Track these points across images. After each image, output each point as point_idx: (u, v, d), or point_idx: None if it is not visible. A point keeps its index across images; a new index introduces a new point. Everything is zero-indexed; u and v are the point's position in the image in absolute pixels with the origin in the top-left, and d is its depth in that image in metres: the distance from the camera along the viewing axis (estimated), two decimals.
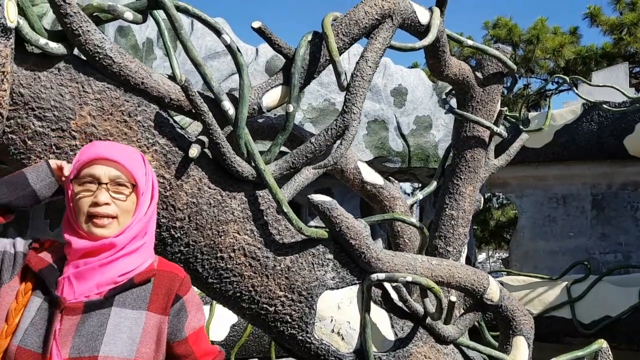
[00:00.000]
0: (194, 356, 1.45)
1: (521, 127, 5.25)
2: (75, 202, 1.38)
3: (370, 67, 1.87)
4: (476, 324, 2.66)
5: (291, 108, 1.80)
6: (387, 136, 5.84)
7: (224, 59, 4.53)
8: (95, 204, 1.36)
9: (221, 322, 4.41)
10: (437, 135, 6.15)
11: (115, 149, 1.45)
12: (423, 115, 6.13)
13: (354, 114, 1.84)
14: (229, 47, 1.68)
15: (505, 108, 2.90)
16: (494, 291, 2.19)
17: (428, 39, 2.06)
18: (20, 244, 1.42)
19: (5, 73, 1.46)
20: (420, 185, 6.87)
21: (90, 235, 1.36)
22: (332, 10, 1.95)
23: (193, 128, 2.12)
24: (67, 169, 1.48)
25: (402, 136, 6.00)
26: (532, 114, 6.59)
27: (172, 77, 1.86)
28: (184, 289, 1.44)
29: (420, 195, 2.81)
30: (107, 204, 1.36)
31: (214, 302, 4.53)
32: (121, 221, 1.39)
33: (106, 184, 1.38)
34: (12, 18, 1.43)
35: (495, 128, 2.68)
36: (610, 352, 2.36)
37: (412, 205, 2.74)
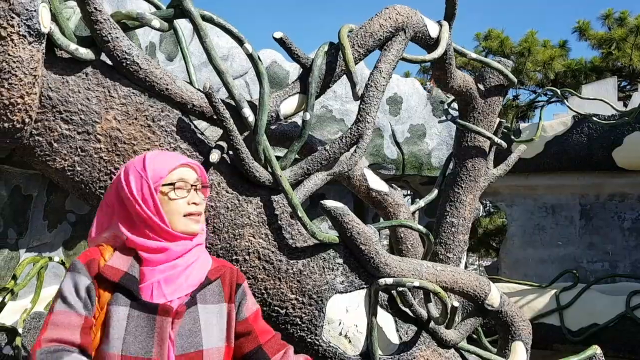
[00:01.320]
0: (255, 333, 1.57)
1: (513, 137, 5.37)
2: (169, 205, 1.46)
3: (384, 77, 1.93)
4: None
5: (308, 116, 1.86)
6: (382, 144, 5.92)
7: (227, 64, 4.56)
8: (195, 204, 1.49)
9: None
10: (430, 144, 6.24)
11: (185, 157, 1.57)
12: (417, 123, 6.21)
13: (368, 122, 1.90)
14: (250, 56, 1.73)
15: (504, 120, 2.98)
16: (494, 297, 2.26)
17: (438, 52, 2.13)
18: (83, 281, 1.41)
19: (37, 77, 1.50)
20: (412, 192, 6.94)
21: (183, 233, 1.46)
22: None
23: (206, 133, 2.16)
24: None
25: (397, 144, 6.08)
26: (523, 125, 6.70)
27: (190, 83, 1.91)
28: (241, 277, 1.59)
29: (422, 203, 2.87)
30: (199, 203, 1.50)
31: None
32: (202, 218, 1.53)
33: (195, 185, 1.50)
34: (46, 24, 1.47)
35: (496, 138, 2.76)
36: (603, 357, 2.43)
37: (414, 212, 2.81)
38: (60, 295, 1.39)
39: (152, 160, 1.49)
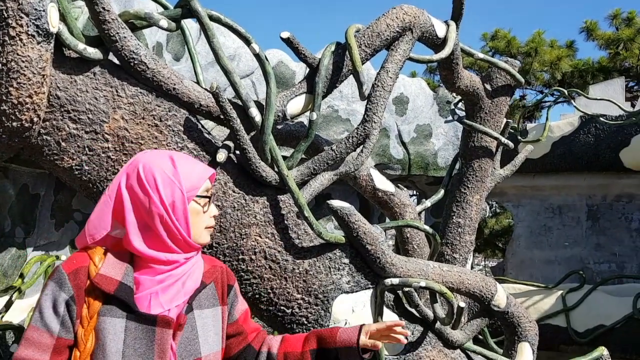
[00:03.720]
0: (245, 333, 1.56)
1: (519, 137, 5.35)
2: (199, 217, 1.41)
3: (390, 77, 1.93)
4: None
5: (315, 116, 1.86)
6: (388, 144, 5.91)
7: (233, 63, 4.57)
8: (214, 217, 1.46)
9: None
10: (436, 144, 6.22)
11: None
12: (423, 123, 6.21)
13: (375, 122, 1.90)
14: (257, 56, 1.73)
15: (511, 120, 2.97)
16: (501, 298, 2.25)
17: (445, 52, 2.13)
18: (62, 296, 1.32)
19: (45, 76, 1.51)
20: (418, 193, 6.93)
21: (201, 244, 1.42)
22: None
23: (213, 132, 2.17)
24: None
25: (403, 144, 6.07)
26: (529, 125, 6.68)
27: (197, 83, 1.91)
28: (232, 278, 1.56)
29: (428, 203, 2.87)
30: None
31: None
32: None
33: (211, 197, 1.47)
34: (55, 23, 1.48)
35: (502, 139, 2.75)
36: (610, 359, 2.42)
37: (420, 212, 2.80)
38: (38, 309, 1.32)
39: (183, 167, 1.40)
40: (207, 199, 1.43)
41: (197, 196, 1.40)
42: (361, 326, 1.60)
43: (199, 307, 1.41)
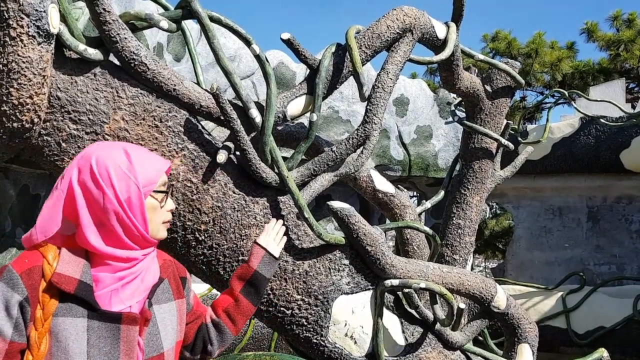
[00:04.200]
0: (201, 317, 1.59)
1: (519, 139, 5.35)
2: (156, 212, 1.37)
3: (391, 79, 1.93)
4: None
5: (315, 117, 1.86)
6: (388, 145, 5.92)
7: (234, 64, 4.59)
8: (171, 211, 1.42)
9: None
10: (437, 145, 6.23)
11: None
12: (424, 125, 6.21)
13: (375, 124, 1.90)
14: (257, 57, 1.73)
15: (512, 121, 2.98)
16: (501, 299, 2.25)
17: (445, 53, 2.13)
18: (15, 298, 1.25)
19: (46, 77, 1.51)
20: (418, 194, 6.94)
21: (156, 240, 1.38)
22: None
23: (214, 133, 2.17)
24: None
25: (403, 145, 6.08)
26: (530, 127, 6.69)
27: (197, 84, 1.91)
28: (182, 269, 1.54)
29: (428, 204, 2.87)
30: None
31: None
32: None
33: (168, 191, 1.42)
34: (55, 24, 1.48)
35: (503, 140, 2.75)
36: None
37: (420, 214, 2.80)
38: None
39: (139, 160, 1.34)
40: (164, 194, 1.39)
41: (154, 191, 1.36)
42: (255, 242, 1.70)
43: (157, 303, 1.38)
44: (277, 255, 1.71)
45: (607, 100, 5.61)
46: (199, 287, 4.17)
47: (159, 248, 1.46)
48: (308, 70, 1.99)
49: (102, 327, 1.26)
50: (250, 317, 1.68)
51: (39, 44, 1.47)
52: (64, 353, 1.23)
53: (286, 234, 1.87)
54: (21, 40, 1.45)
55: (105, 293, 1.29)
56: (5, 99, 1.48)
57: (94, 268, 1.30)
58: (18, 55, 1.45)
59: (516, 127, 5.99)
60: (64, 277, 1.26)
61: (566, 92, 5.51)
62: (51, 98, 1.59)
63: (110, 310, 1.28)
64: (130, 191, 1.30)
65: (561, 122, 6.31)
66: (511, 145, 2.82)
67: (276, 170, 1.85)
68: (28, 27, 1.45)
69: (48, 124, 1.61)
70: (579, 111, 5.72)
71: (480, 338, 3.33)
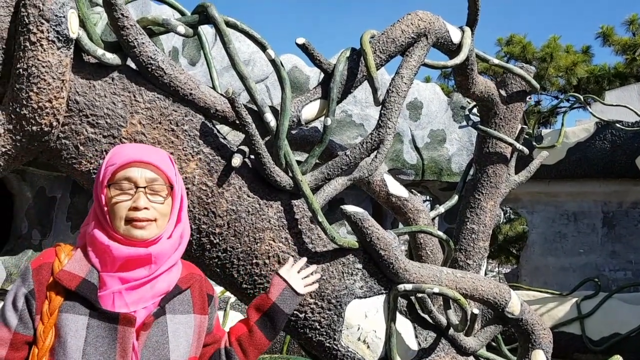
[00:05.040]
0: (219, 341, 1.55)
1: (534, 143, 5.32)
2: (112, 207, 1.35)
3: (405, 83, 1.93)
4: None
5: (329, 121, 1.87)
6: (401, 149, 5.91)
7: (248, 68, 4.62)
8: (135, 209, 1.34)
9: None
10: (450, 149, 6.21)
11: (149, 151, 1.43)
12: (437, 129, 6.20)
13: (389, 128, 1.91)
14: (273, 62, 1.75)
15: (526, 126, 2.96)
16: (515, 305, 2.24)
17: (460, 58, 2.13)
18: (22, 291, 1.32)
19: (65, 81, 1.53)
20: (432, 198, 6.91)
21: (129, 239, 1.34)
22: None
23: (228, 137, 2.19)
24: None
25: (417, 149, 6.07)
26: (545, 131, 6.65)
27: (213, 88, 1.93)
28: (211, 287, 1.52)
29: (442, 209, 2.86)
30: (146, 208, 1.34)
31: (228, 308, 4.59)
32: (159, 224, 1.38)
33: (144, 187, 1.36)
34: (74, 29, 1.51)
35: (517, 145, 2.74)
36: None
37: (434, 218, 2.80)
38: (4, 302, 1.32)
39: (115, 152, 1.39)
40: (124, 189, 1.36)
41: (111, 184, 1.36)
42: (276, 272, 1.64)
43: (172, 312, 1.38)
44: (300, 292, 1.62)
45: (623, 105, 5.57)
46: None
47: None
48: (322, 74, 2.00)
49: (101, 327, 1.29)
50: (264, 351, 1.60)
51: (58, 48, 1.50)
52: (63, 348, 1.27)
53: (303, 241, 1.86)
54: (41, 45, 1.47)
55: (108, 294, 1.31)
56: (25, 102, 1.50)
57: (103, 271, 1.33)
58: (38, 59, 1.47)
59: (531, 131, 5.97)
60: (68, 274, 1.30)
61: (581, 97, 5.48)
62: (70, 102, 1.61)
63: (109, 310, 1.30)
64: (98, 181, 1.38)
65: (576, 127, 6.26)
66: (526, 150, 2.81)
67: (290, 174, 1.86)
68: (48, 32, 1.47)
69: (66, 127, 1.64)
70: (595, 116, 5.67)
71: (494, 344, 3.31)
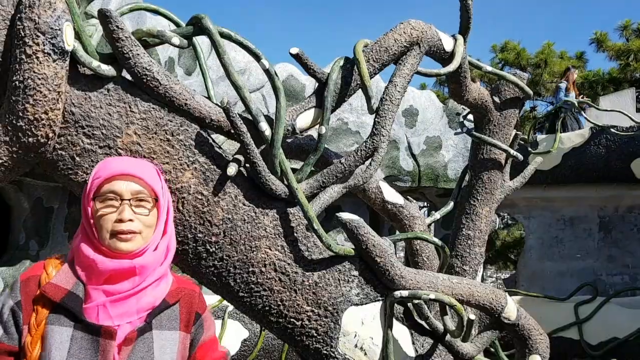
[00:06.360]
0: None
1: (530, 149, 5.35)
2: (97, 220, 1.38)
3: (399, 92, 1.95)
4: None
5: (323, 130, 1.89)
6: (398, 156, 5.93)
7: (244, 77, 4.66)
8: (120, 221, 1.36)
9: (232, 337, 4.46)
10: (446, 156, 6.24)
11: (134, 164, 1.48)
12: (433, 135, 6.23)
13: (383, 136, 1.92)
14: (267, 72, 1.76)
15: (521, 132, 2.98)
16: (511, 310, 2.25)
17: (453, 65, 2.15)
18: (8, 303, 1.36)
19: (61, 93, 1.55)
20: (428, 204, 6.93)
21: (114, 251, 1.36)
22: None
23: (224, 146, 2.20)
24: None
25: (413, 156, 6.09)
26: (540, 137, 6.68)
27: (208, 98, 1.95)
28: (202, 306, 1.51)
29: (437, 215, 2.87)
30: (130, 220, 1.37)
31: (226, 317, 4.59)
32: (144, 236, 1.40)
33: (129, 200, 1.39)
34: (70, 42, 1.52)
35: (511, 151, 2.76)
36: None
37: (430, 225, 2.81)
38: None
39: (101, 165, 1.44)
40: (109, 201, 1.39)
41: (97, 196, 1.39)
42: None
43: (159, 328, 1.38)
44: None
45: (617, 110, 5.61)
46: (210, 299, 4.19)
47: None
48: (317, 83, 2.01)
49: (84, 339, 1.31)
50: None
51: (54, 61, 1.51)
52: (47, 359, 1.29)
53: (299, 249, 1.87)
54: (37, 58, 1.49)
55: (93, 307, 1.33)
56: (21, 114, 1.51)
57: (89, 284, 1.35)
58: (34, 72, 1.49)
59: (526, 137, 6.00)
60: (54, 286, 1.34)
61: (576, 102, 5.51)
62: (65, 113, 1.63)
63: (91, 323, 1.31)
64: (84, 194, 1.42)
65: (571, 132, 6.29)
66: (520, 156, 2.83)
67: (286, 183, 1.87)
68: (44, 45, 1.49)
69: (62, 138, 1.65)
70: (589, 121, 5.71)
71: (492, 349, 3.31)
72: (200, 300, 1.51)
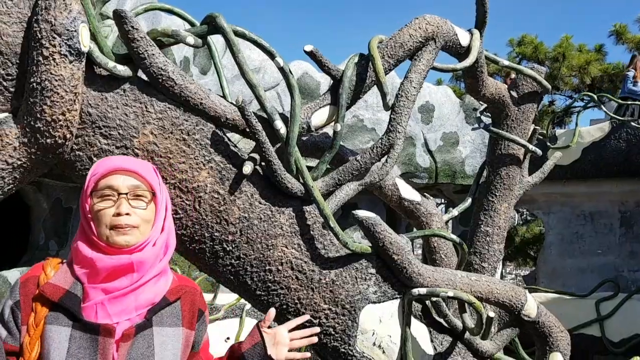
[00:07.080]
0: None
1: (549, 144, 5.29)
2: (95, 215, 1.39)
3: (414, 87, 1.94)
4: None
5: (339, 127, 1.88)
6: (414, 152, 5.90)
7: (259, 76, 4.67)
8: (117, 215, 1.37)
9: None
10: (463, 152, 6.19)
11: (131, 160, 1.51)
12: (450, 131, 6.18)
13: (399, 132, 1.91)
14: (281, 70, 1.76)
15: (539, 127, 2.95)
16: (531, 307, 2.22)
17: (469, 60, 2.13)
18: (8, 303, 1.38)
19: (77, 94, 1.56)
20: (446, 201, 6.88)
21: (113, 246, 1.37)
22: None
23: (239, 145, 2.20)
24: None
25: (429, 152, 6.06)
26: (559, 131, 6.60)
27: (223, 97, 1.95)
28: (203, 303, 1.52)
29: (455, 212, 2.85)
30: (128, 214, 1.38)
31: (244, 314, 4.60)
32: (142, 230, 1.40)
33: (126, 194, 1.39)
34: (86, 43, 1.53)
35: (530, 146, 2.72)
36: None
37: (447, 221, 2.79)
38: None
39: (99, 163, 1.46)
40: (106, 196, 1.39)
41: (94, 191, 1.40)
42: (257, 324, 1.60)
43: (160, 324, 1.38)
44: (271, 355, 1.56)
45: (638, 103, 5.51)
46: (227, 297, 4.20)
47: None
48: (332, 81, 2.01)
49: (83, 338, 1.31)
50: None
51: (70, 62, 1.52)
52: (46, 359, 1.30)
53: (316, 247, 1.85)
54: (54, 59, 1.50)
55: (91, 305, 1.34)
56: (39, 116, 1.53)
57: (88, 283, 1.36)
58: (51, 73, 1.50)
59: (545, 132, 5.92)
60: (53, 286, 1.34)
61: (595, 96, 5.44)
62: (82, 114, 1.64)
63: (90, 321, 1.32)
64: (83, 191, 1.42)
65: (591, 127, 6.21)
66: (538, 151, 2.79)
67: (301, 181, 1.86)
68: (60, 47, 1.50)
69: (80, 139, 1.66)
70: (608, 114, 5.62)
71: (511, 347, 3.28)
72: (201, 297, 1.51)
